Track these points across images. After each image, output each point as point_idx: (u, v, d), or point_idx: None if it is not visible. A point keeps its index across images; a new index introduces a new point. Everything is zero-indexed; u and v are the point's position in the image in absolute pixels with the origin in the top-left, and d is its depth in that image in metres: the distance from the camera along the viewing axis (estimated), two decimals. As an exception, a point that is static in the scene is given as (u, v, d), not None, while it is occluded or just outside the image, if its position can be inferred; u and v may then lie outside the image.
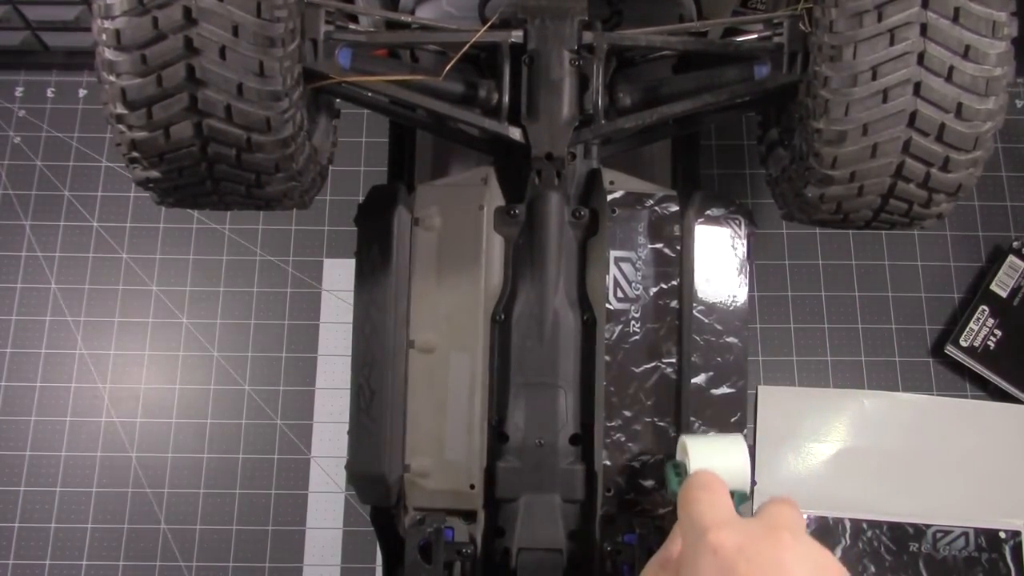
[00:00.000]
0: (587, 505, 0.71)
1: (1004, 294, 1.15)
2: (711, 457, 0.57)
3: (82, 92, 1.26)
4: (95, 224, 1.21)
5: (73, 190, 1.22)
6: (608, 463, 0.69)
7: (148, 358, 1.16)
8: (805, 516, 1.08)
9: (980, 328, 1.14)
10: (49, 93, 1.26)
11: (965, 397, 1.15)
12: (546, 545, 0.69)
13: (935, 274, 1.19)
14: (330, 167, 0.75)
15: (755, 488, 0.68)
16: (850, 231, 1.19)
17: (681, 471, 0.58)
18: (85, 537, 1.09)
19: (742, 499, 0.56)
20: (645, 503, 0.70)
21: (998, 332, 1.14)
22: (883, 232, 1.20)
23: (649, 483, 0.70)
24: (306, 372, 1.16)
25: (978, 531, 1.08)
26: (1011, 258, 1.17)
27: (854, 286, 1.19)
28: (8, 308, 1.17)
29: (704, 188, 0.84)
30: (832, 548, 1.07)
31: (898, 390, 1.15)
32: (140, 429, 1.13)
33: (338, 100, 0.76)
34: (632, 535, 0.69)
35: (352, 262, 0.74)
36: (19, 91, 1.26)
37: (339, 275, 1.19)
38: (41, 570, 1.08)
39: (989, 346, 1.14)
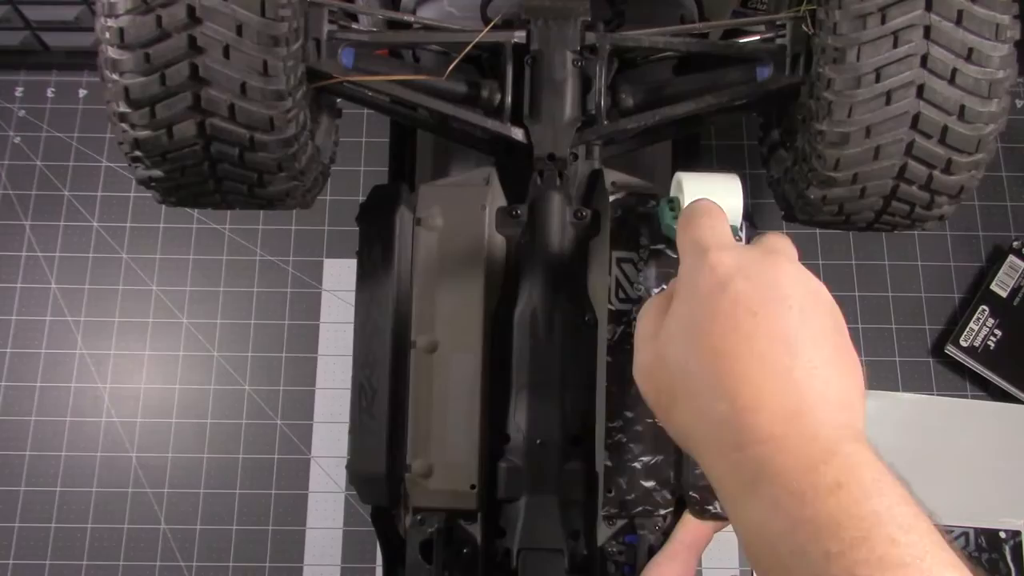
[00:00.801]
0: (588, 506, 0.71)
1: (1004, 294, 1.16)
2: (707, 192, 0.56)
3: (82, 92, 1.26)
4: (95, 224, 1.21)
5: (73, 190, 1.22)
6: (609, 464, 0.69)
7: (148, 358, 1.16)
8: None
9: (980, 328, 1.14)
10: (49, 93, 1.26)
11: (965, 397, 1.15)
12: (547, 546, 0.69)
13: (935, 274, 1.20)
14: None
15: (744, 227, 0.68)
16: (851, 231, 1.19)
17: (676, 206, 0.58)
18: (85, 537, 1.09)
19: (734, 233, 0.55)
20: (646, 503, 0.70)
21: (998, 332, 1.14)
22: (884, 232, 1.20)
23: (651, 484, 0.70)
24: (306, 372, 1.15)
25: (978, 531, 1.08)
26: (1011, 258, 1.17)
27: (854, 286, 1.19)
28: (8, 308, 1.17)
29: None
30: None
31: (898, 390, 1.15)
32: (140, 429, 1.13)
33: (340, 100, 0.76)
34: (633, 536, 0.69)
35: (353, 262, 0.74)
36: (19, 91, 1.26)
37: (339, 275, 1.19)
38: (41, 570, 1.08)
39: (989, 346, 1.14)
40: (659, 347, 0.44)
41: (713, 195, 0.55)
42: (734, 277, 0.41)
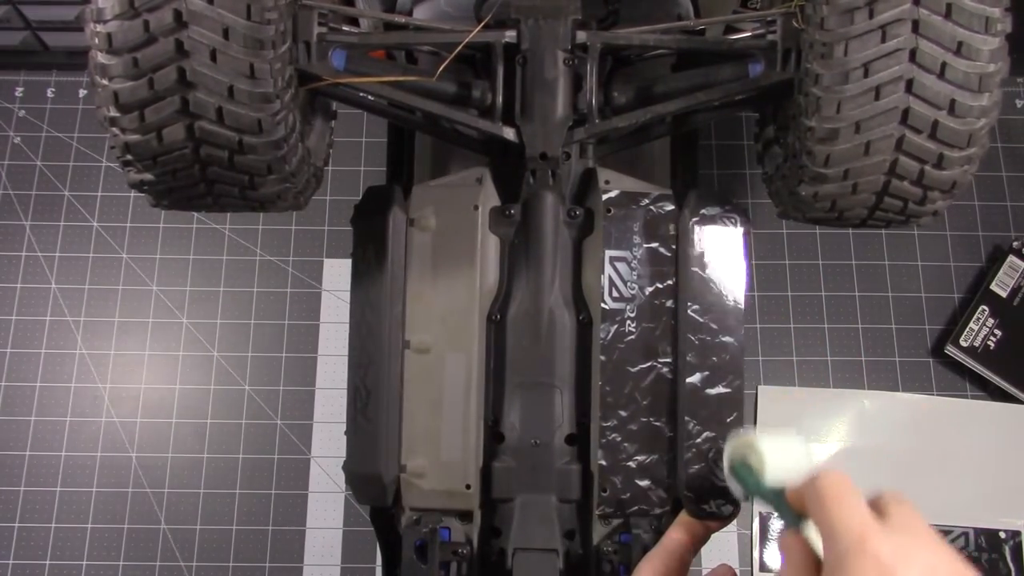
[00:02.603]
0: (583, 505, 0.71)
1: (1004, 294, 1.15)
2: (783, 454, 0.56)
3: (82, 92, 1.26)
4: (95, 224, 1.21)
5: (73, 190, 1.22)
6: (604, 463, 0.69)
7: (148, 358, 1.16)
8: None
9: (980, 328, 1.14)
10: (49, 93, 1.26)
11: (965, 397, 1.14)
12: (542, 545, 0.69)
13: (935, 274, 1.19)
14: (328, 168, 0.75)
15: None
16: (849, 230, 1.19)
17: (754, 470, 0.56)
18: (85, 537, 1.10)
19: None
20: (641, 503, 0.70)
21: (998, 332, 1.14)
22: (883, 232, 1.20)
23: (645, 483, 0.70)
24: (306, 372, 1.16)
25: (978, 531, 1.08)
26: (1011, 258, 1.16)
27: (854, 286, 1.18)
28: (8, 308, 1.18)
29: (703, 187, 0.84)
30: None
31: (898, 390, 1.15)
32: (140, 429, 1.14)
33: (335, 102, 0.76)
34: (628, 535, 0.69)
35: (352, 262, 0.75)
36: (19, 91, 1.26)
37: (339, 275, 1.19)
38: (41, 570, 1.09)
39: (989, 346, 1.13)
40: None
41: (789, 456, 0.55)
42: (896, 570, 0.42)
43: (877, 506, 0.46)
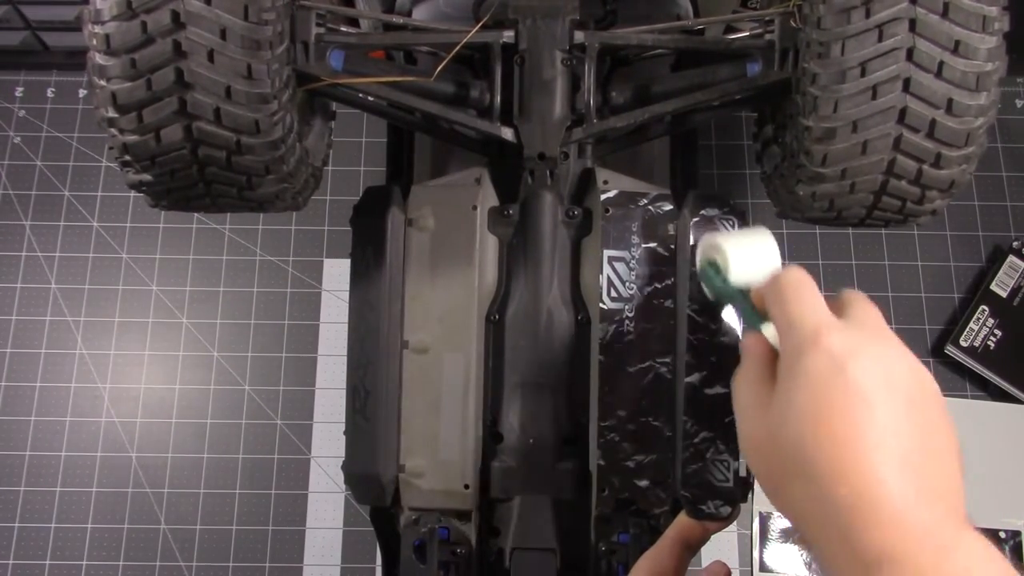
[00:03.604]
0: (581, 505, 0.71)
1: (1004, 294, 1.15)
2: (750, 253, 0.56)
3: (82, 92, 1.27)
4: (95, 224, 1.21)
5: (73, 190, 1.22)
6: (602, 463, 0.69)
7: (148, 358, 1.16)
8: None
9: (980, 328, 1.14)
10: (49, 93, 1.27)
11: (965, 397, 1.14)
12: (540, 545, 0.69)
13: (935, 274, 1.19)
14: (328, 168, 0.75)
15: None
16: (849, 230, 1.19)
17: (720, 269, 0.57)
18: (85, 537, 1.10)
19: None
20: (639, 503, 0.70)
21: (998, 332, 1.13)
22: (882, 231, 1.20)
23: (643, 483, 0.70)
24: (306, 372, 1.16)
25: (978, 531, 1.08)
26: (1011, 258, 1.16)
27: (854, 286, 1.18)
28: (8, 308, 1.18)
29: (703, 188, 0.84)
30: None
31: (898, 390, 1.14)
32: (140, 429, 1.14)
33: (334, 103, 0.76)
34: (626, 535, 0.69)
35: (353, 262, 0.75)
36: (19, 91, 1.27)
37: (339, 275, 1.19)
38: (41, 570, 1.09)
39: (989, 346, 1.13)
40: (770, 426, 0.45)
41: (755, 255, 0.55)
42: (847, 362, 0.42)
43: (837, 305, 0.47)
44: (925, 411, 0.43)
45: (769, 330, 0.49)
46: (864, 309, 0.46)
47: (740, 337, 0.51)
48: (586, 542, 0.70)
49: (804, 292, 0.46)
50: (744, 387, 0.48)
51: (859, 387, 0.42)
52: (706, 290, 0.59)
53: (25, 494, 1.11)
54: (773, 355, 0.48)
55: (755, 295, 0.52)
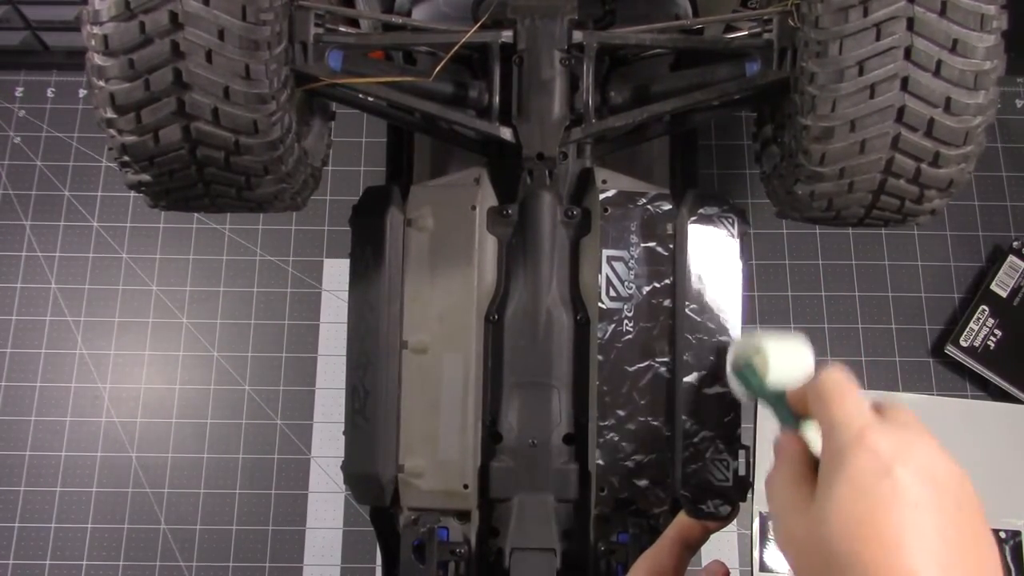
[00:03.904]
0: (581, 505, 0.71)
1: (1004, 294, 1.15)
2: (786, 356, 0.57)
3: (82, 92, 1.27)
4: (95, 224, 1.21)
5: (73, 190, 1.22)
6: (601, 462, 0.69)
7: (148, 358, 1.16)
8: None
9: (980, 328, 1.14)
10: (49, 93, 1.27)
11: (965, 397, 1.14)
12: (539, 545, 0.69)
13: (935, 274, 1.19)
14: (328, 168, 0.75)
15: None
16: (848, 230, 1.19)
17: (757, 371, 0.57)
18: (85, 537, 1.10)
19: None
20: (639, 502, 0.70)
21: (998, 332, 1.13)
22: (882, 231, 1.20)
23: (643, 482, 0.70)
24: (306, 372, 1.16)
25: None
26: (1011, 258, 1.16)
27: (854, 286, 1.18)
28: (8, 308, 1.18)
29: (703, 187, 0.84)
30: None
31: (898, 390, 1.14)
32: (140, 429, 1.14)
33: (333, 103, 0.76)
34: (626, 534, 0.69)
35: (353, 262, 0.75)
36: (19, 91, 1.27)
37: (339, 275, 1.19)
38: (41, 570, 1.09)
39: (989, 346, 1.13)
40: (811, 524, 0.45)
41: (792, 358, 0.56)
42: (893, 464, 0.42)
43: (878, 408, 0.47)
44: (970, 518, 0.43)
45: (806, 431, 0.49)
46: (904, 412, 0.46)
47: (776, 439, 0.51)
48: (585, 542, 0.70)
49: (847, 393, 0.46)
50: (781, 486, 0.48)
51: (906, 490, 0.42)
52: (737, 388, 0.60)
53: (25, 494, 1.11)
54: (809, 455, 0.48)
55: (792, 396, 0.52)
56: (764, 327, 1.16)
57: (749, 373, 0.57)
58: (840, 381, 0.47)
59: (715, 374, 0.70)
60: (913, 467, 0.42)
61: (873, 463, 0.42)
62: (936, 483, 0.42)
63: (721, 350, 0.70)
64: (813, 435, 0.48)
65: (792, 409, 0.51)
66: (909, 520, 0.41)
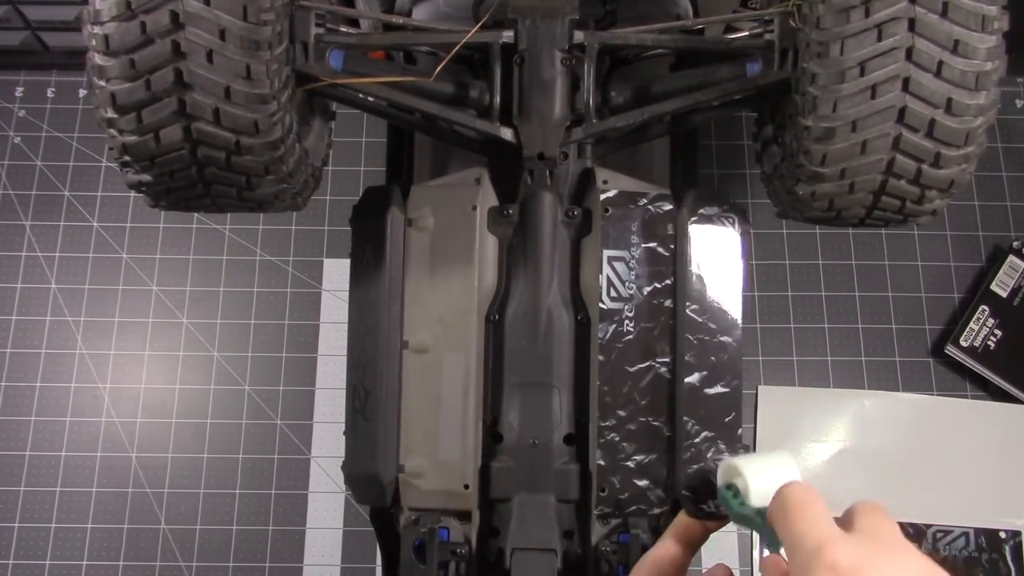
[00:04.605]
0: (581, 505, 0.71)
1: (1004, 294, 1.15)
2: (768, 477, 0.56)
3: (82, 92, 1.27)
4: (95, 224, 1.21)
5: (73, 190, 1.22)
6: (602, 463, 0.69)
7: (148, 358, 1.16)
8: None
9: (980, 328, 1.14)
10: (49, 93, 1.27)
11: (965, 397, 1.14)
12: (540, 545, 0.69)
13: (935, 274, 1.19)
14: (328, 168, 0.75)
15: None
16: (849, 230, 1.19)
17: (738, 493, 0.56)
18: (85, 537, 1.10)
19: None
20: (640, 503, 0.70)
21: (998, 332, 1.13)
22: (882, 232, 1.20)
23: (643, 483, 0.70)
24: (306, 372, 1.16)
25: (978, 531, 1.08)
26: (1011, 258, 1.16)
27: (854, 286, 1.18)
28: (8, 308, 1.18)
29: (703, 188, 0.84)
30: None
31: (898, 390, 1.14)
32: (140, 429, 1.14)
33: (334, 103, 0.76)
34: (626, 535, 0.69)
35: (353, 262, 0.74)
36: (19, 91, 1.27)
37: (339, 275, 1.19)
38: (41, 570, 1.09)
39: (989, 346, 1.13)
40: None
41: (774, 478, 0.54)
42: None
43: (848, 517, 0.46)
44: None
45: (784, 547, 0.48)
46: (874, 519, 0.45)
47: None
48: (586, 542, 0.70)
49: (807, 509, 0.45)
50: None
51: None
52: (724, 508, 0.58)
53: (25, 494, 1.11)
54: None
55: (769, 515, 0.51)
56: (764, 326, 1.16)
57: (730, 495, 0.56)
58: (801, 496, 0.46)
59: (716, 374, 0.70)
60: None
61: None
62: None
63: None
64: None
65: (771, 528, 0.50)
66: None
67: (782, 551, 0.48)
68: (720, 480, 0.59)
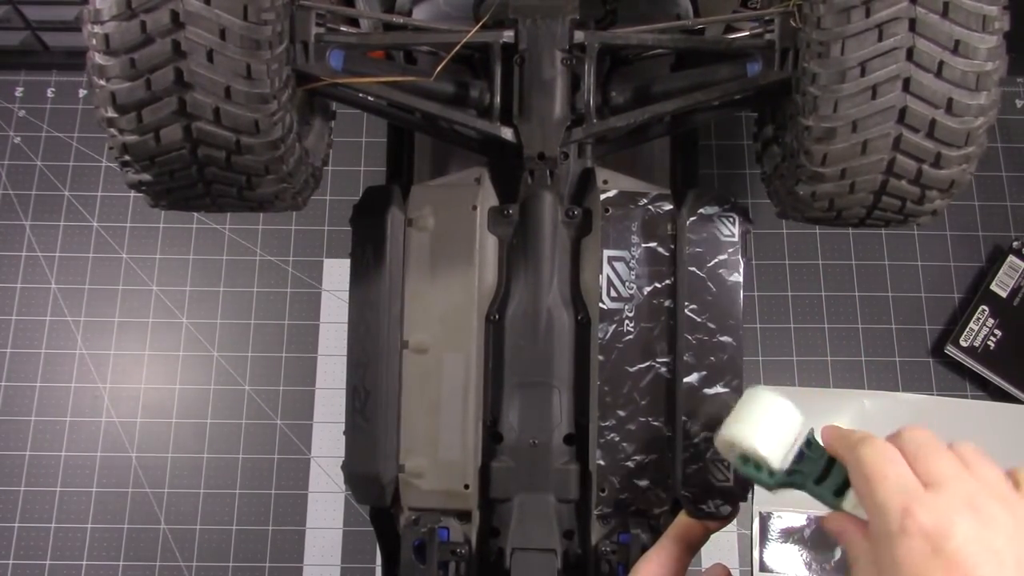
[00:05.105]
0: (581, 505, 0.71)
1: (1004, 294, 1.15)
2: (774, 433, 0.53)
3: (82, 92, 1.26)
4: (95, 224, 1.21)
5: (73, 190, 1.22)
6: (602, 463, 0.69)
7: (148, 358, 1.16)
8: (804, 517, 1.08)
9: (980, 328, 1.14)
10: (49, 93, 1.26)
11: (965, 397, 1.14)
12: (540, 545, 0.69)
13: (935, 274, 1.19)
14: (328, 168, 0.75)
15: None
16: (849, 230, 1.19)
17: (758, 463, 0.53)
18: (85, 537, 1.10)
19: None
20: (640, 503, 0.70)
21: (998, 332, 1.13)
22: (882, 231, 1.20)
23: (643, 483, 0.70)
24: (306, 372, 1.16)
25: None
26: (1011, 258, 1.16)
27: (854, 286, 1.18)
28: (8, 308, 1.18)
29: (703, 187, 0.83)
30: (832, 549, 1.07)
31: (898, 390, 1.14)
32: (140, 429, 1.14)
33: (334, 102, 0.76)
34: (627, 535, 0.69)
35: (353, 262, 0.74)
36: (19, 91, 1.27)
37: (339, 275, 1.19)
38: (41, 570, 1.09)
39: (989, 346, 1.13)
40: None
41: (776, 427, 0.52)
42: (942, 542, 0.40)
43: (934, 455, 0.44)
44: None
45: (848, 502, 0.47)
46: (962, 462, 0.45)
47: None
48: (586, 542, 0.70)
49: (887, 467, 0.45)
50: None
51: (960, 565, 0.40)
52: (761, 484, 0.55)
53: (25, 494, 1.11)
54: (864, 527, 0.46)
55: (828, 444, 0.49)
56: (764, 326, 1.16)
57: (752, 470, 0.54)
58: (879, 454, 0.45)
59: (716, 374, 0.70)
60: (962, 538, 0.40)
61: (920, 546, 0.41)
62: (993, 545, 0.40)
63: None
64: (855, 504, 0.46)
65: (819, 482, 0.48)
66: None
67: (845, 504, 0.47)
68: (729, 456, 0.56)
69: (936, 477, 0.44)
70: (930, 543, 0.41)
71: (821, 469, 0.52)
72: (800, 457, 0.54)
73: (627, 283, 0.71)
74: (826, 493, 0.49)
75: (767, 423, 0.54)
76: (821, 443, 0.54)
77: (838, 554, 1.06)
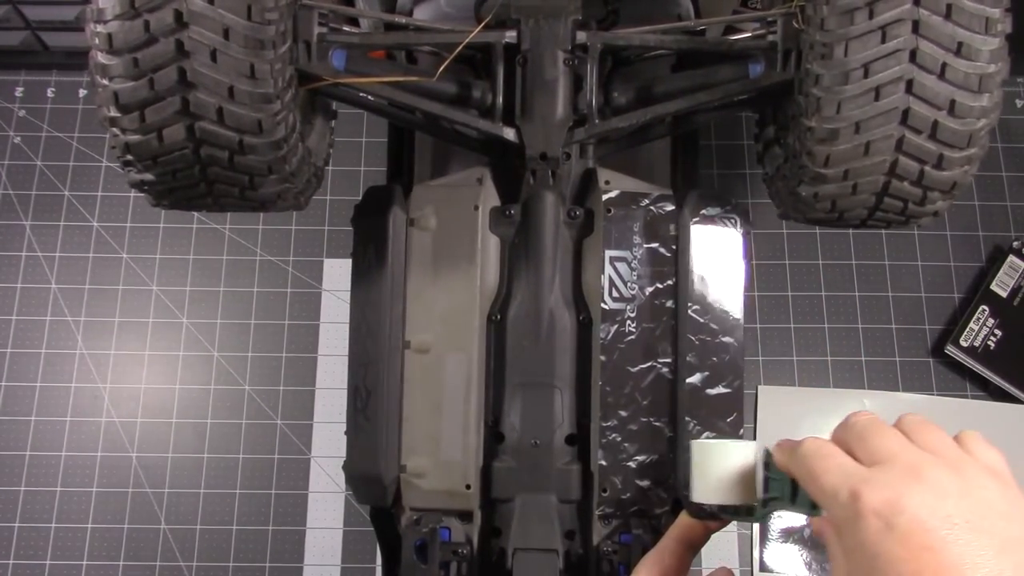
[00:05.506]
0: (583, 505, 0.71)
1: (1004, 294, 1.15)
2: (714, 473, 0.53)
3: (82, 92, 1.26)
4: (95, 224, 1.21)
5: (73, 190, 1.22)
6: (604, 463, 0.69)
7: (148, 358, 1.16)
8: (804, 517, 1.08)
9: (980, 328, 1.14)
10: (49, 93, 1.26)
11: (965, 397, 1.14)
12: (541, 545, 0.69)
13: (935, 274, 1.19)
14: (328, 168, 0.75)
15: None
16: (849, 230, 1.19)
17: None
18: (85, 537, 1.10)
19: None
20: (641, 503, 0.70)
21: (998, 332, 1.14)
22: (883, 232, 1.20)
23: (645, 483, 0.70)
24: (306, 372, 1.16)
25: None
26: (1011, 258, 1.16)
27: (854, 286, 1.18)
28: (8, 308, 1.18)
29: (703, 188, 0.84)
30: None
31: (898, 390, 1.15)
32: (140, 429, 1.14)
33: (336, 102, 0.76)
34: (628, 535, 0.69)
35: (353, 262, 0.74)
36: (19, 91, 1.27)
37: (339, 275, 1.19)
38: (41, 570, 1.09)
39: (989, 346, 1.13)
40: None
41: (721, 465, 0.51)
42: (893, 517, 0.40)
43: (875, 436, 0.44)
44: (992, 517, 0.40)
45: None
46: (893, 439, 0.44)
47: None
48: (588, 542, 0.70)
49: (824, 461, 0.44)
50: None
51: (913, 535, 0.40)
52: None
53: (25, 494, 1.11)
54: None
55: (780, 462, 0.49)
56: (764, 326, 1.16)
57: (733, 515, 0.53)
58: (814, 452, 0.45)
59: (717, 375, 0.70)
60: (911, 511, 0.40)
61: (875, 524, 0.40)
62: (942, 510, 0.40)
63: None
64: None
65: (795, 495, 0.48)
66: (930, 567, 0.39)
67: (823, 511, 0.47)
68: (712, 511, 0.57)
69: (880, 455, 0.44)
70: (882, 520, 0.40)
71: (790, 486, 0.53)
72: (767, 484, 0.54)
73: (629, 283, 0.71)
74: (804, 506, 0.50)
75: (724, 475, 0.54)
76: None
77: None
